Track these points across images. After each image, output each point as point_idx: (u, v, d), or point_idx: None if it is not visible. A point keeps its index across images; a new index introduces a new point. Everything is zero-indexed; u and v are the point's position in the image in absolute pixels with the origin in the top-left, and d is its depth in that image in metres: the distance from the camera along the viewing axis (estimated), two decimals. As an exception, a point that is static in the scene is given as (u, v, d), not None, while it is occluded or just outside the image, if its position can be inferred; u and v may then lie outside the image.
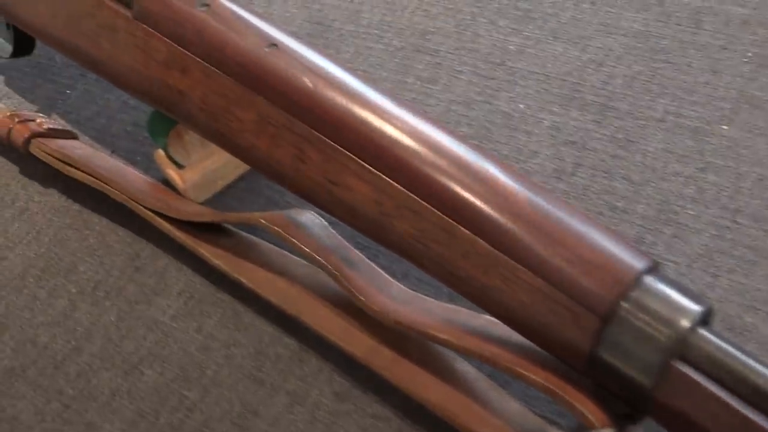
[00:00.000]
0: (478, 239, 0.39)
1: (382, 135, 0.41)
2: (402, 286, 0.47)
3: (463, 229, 0.39)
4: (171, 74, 0.49)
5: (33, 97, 0.69)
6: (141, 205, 0.54)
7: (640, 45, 0.59)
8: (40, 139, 0.60)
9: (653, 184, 0.51)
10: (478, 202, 0.39)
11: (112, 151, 0.62)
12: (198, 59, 0.47)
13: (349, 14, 0.67)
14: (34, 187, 0.62)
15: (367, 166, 0.42)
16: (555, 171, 0.53)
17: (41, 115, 0.63)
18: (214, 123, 0.48)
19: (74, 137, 0.63)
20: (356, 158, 0.42)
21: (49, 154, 0.59)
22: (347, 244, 0.48)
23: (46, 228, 0.59)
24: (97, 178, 0.56)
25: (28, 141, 0.60)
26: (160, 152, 0.57)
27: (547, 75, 0.58)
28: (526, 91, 0.58)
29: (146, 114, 0.64)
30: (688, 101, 0.55)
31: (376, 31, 0.65)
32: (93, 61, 0.54)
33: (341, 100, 0.43)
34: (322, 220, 0.49)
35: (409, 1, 0.66)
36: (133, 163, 0.61)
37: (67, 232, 0.58)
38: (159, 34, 0.49)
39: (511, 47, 0.61)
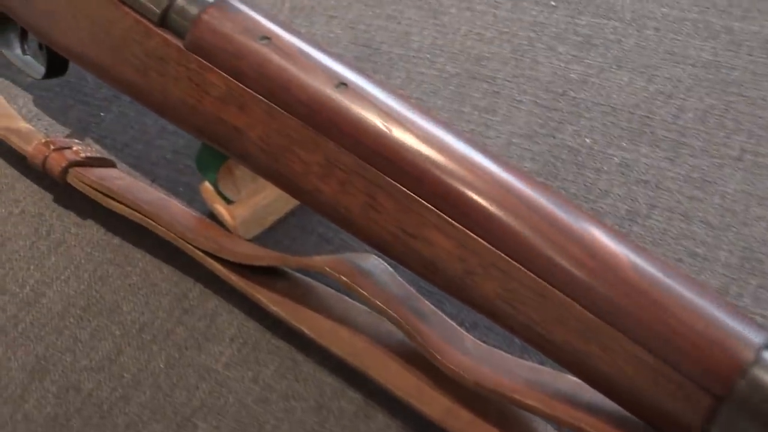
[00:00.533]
0: (575, 304, 0.36)
1: (468, 187, 0.39)
2: (474, 339, 0.45)
3: (557, 292, 0.36)
4: (227, 110, 0.46)
5: (64, 119, 0.66)
6: (190, 245, 0.51)
7: (710, 76, 0.56)
8: (77, 169, 0.57)
9: (734, 229, 0.49)
10: (575, 266, 0.36)
11: (153, 180, 0.60)
12: (259, 96, 0.45)
13: (398, 36, 0.64)
14: (70, 217, 0.59)
15: (449, 220, 0.39)
16: (628, 213, 0.51)
17: (77, 141, 0.60)
18: (274, 163, 0.45)
19: (112, 165, 0.60)
20: (437, 211, 0.39)
21: (88, 185, 0.56)
22: (415, 292, 0.46)
23: (85, 263, 0.56)
24: (140, 213, 0.54)
25: (65, 171, 0.57)
26: (207, 186, 0.54)
27: (613, 107, 0.56)
28: (592, 124, 0.55)
29: (186, 139, 0.62)
30: (766, 138, 0.52)
31: (427, 56, 0.62)
32: (138, 91, 0.51)
33: (420, 146, 0.40)
34: (386, 264, 0.46)
35: (460, 23, 0.63)
36: (175, 193, 0.58)
37: (107, 267, 0.55)
38: (215, 68, 0.46)
39: (572, 75, 0.58)
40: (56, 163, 0.57)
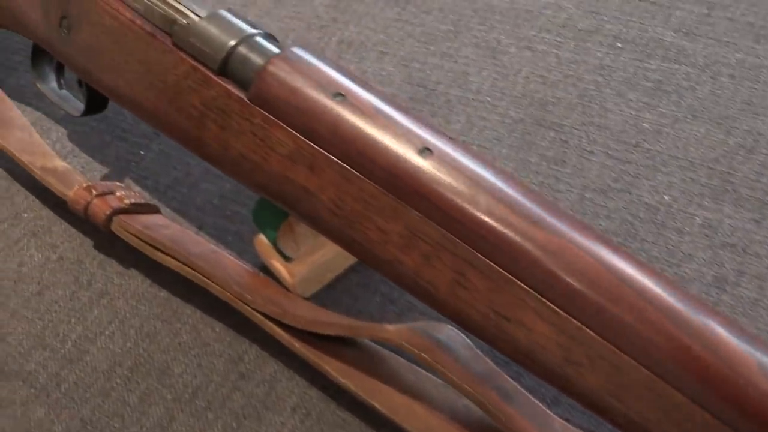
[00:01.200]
0: (698, 409, 0.33)
1: (571, 271, 0.36)
2: (562, 421, 0.42)
3: (678, 394, 0.33)
4: (295, 170, 0.43)
5: (102, 156, 0.63)
6: (248, 306, 0.48)
7: (793, 130, 0.54)
8: (122, 216, 0.54)
9: (831, 301, 0.46)
10: (695, 366, 0.33)
11: (199, 228, 0.57)
12: (332, 158, 0.42)
13: (455, 76, 0.61)
14: (113, 266, 0.56)
15: (550, 304, 0.36)
16: (715, 279, 0.48)
17: (118, 184, 0.57)
18: (347, 229, 0.42)
19: (156, 211, 0.57)
20: (536, 294, 0.36)
21: (133, 235, 0.53)
22: (496, 367, 0.43)
23: (130, 317, 0.53)
24: (191, 268, 0.50)
25: (109, 219, 0.54)
26: (263, 239, 0.51)
27: (691, 161, 0.53)
28: (670, 179, 0.52)
29: (233, 183, 0.59)
30: None
31: (488, 98, 0.59)
32: (191, 141, 0.48)
33: (516, 222, 0.37)
34: (463, 335, 0.43)
35: (521, 64, 0.60)
36: (224, 243, 0.55)
37: (155, 323, 0.52)
38: (282, 124, 0.43)
39: (645, 125, 0.55)
40: (100, 210, 0.54)
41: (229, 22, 0.47)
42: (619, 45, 0.60)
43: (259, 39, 0.46)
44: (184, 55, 0.47)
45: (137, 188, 0.60)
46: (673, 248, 0.49)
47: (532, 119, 0.57)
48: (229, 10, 0.48)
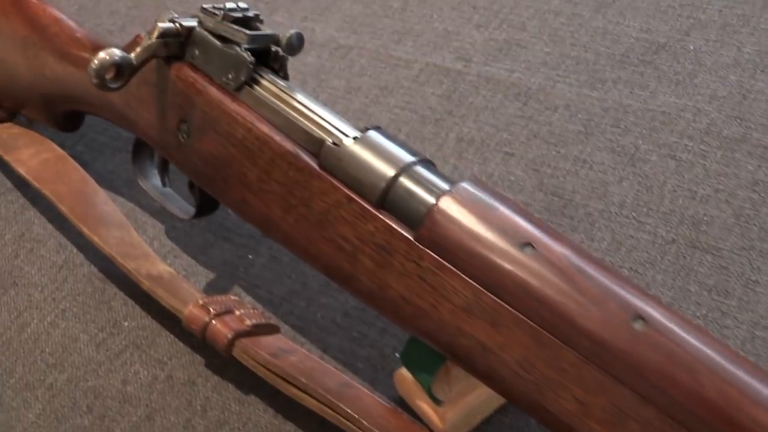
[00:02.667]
0: None
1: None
2: None
3: None
4: (473, 324, 0.39)
5: (206, 259, 0.59)
6: (399, 459, 0.44)
7: None
8: (244, 341, 0.50)
9: None
10: None
11: (324, 351, 0.52)
12: (522, 317, 0.37)
13: (593, 186, 0.57)
14: (229, 390, 0.51)
15: None
16: None
17: (234, 298, 0.53)
18: (533, 394, 0.38)
19: (276, 330, 0.52)
20: None
21: (260, 365, 0.48)
22: None
23: (254, 455, 0.48)
24: (323, 404, 0.46)
25: (231, 344, 0.49)
26: (407, 377, 0.47)
27: None
28: None
29: (356, 302, 0.54)
30: None
31: (633, 214, 0.55)
32: (339, 273, 0.44)
33: (747, 406, 0.33)
34: None
35: (665, 175, 0.56)
36: (353, 369, 0.51)
37: (283, 463, 0.48)
38: (459, 273, 0.39)
39: (815, 253, 0.51)
40: (220, 334, 0.49)
41: (385, 147, 0.43)
42: (771, 157, 0.56)
43: (420, 169, 0.42)
44: (335, 182, 0.43)
45: (248, 298, 0.56)
46: None
47: (686, 240, 0.53)
48: (379, 130, 0.44)
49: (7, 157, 0.65)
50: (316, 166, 0.44)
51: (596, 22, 0.68)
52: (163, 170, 0.58)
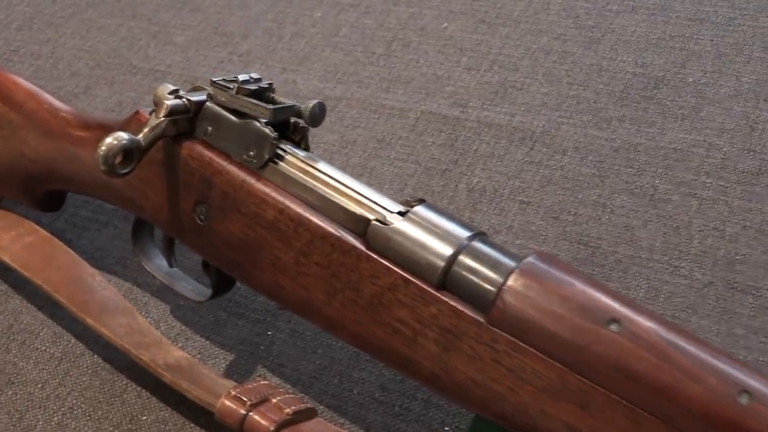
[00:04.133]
0: None
1: None
2: None
3: None
4: (558, 406, 0.36)
5: (221, 339, 0.55)
6: None
7: None
8: (285, 431, 0.47)
9: None
10: None
11: (366, 431, 0.49)
12: (615, 398, 0.35)
13: (617, 231, 0.56)
14: (271, 485, 0.48)
15: None
16: None
17: (265, 382, 0.49)
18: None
19: (314, 414, 0.49)
20: None
21: (309, 458, 0.45)
22: None
23: None
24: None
25: (273, 437, 0.46)
26: (469, 456, 0.45)
27: None
28: None
29: (392, 371, 0.52)
30: None
31: (665, 258, 0.54)
32: (395, 357, 0.41)
33: None
34: None
35: (689, 215, 0.55)
36: (401, 453, 0.48)
37: None
38: (541, 355, 0.37)
39: None
40: (261, 427, 0.46)
41: (436, 223, 0.41)
42: (793, 189, 0.56)
43: (479, 244, 0.40)
44: (388, 264, 0.40)
45: (275, 379, 0.53)
46: None
47: (723, 282, 0.52)
48: (426, 205, 0.42)
49: (-15, 244, 0.61)
50: (363, 248, 0.41)
51: (589, 59, 0.67)
52: (169, 250, 0.54)
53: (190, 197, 0.48)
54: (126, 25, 0.81)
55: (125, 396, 0.53)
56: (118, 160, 0.45)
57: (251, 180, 0.45)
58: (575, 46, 0.69)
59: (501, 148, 0.62)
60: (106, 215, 0.64)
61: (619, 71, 0.66)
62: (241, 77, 0.46)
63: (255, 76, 0.47)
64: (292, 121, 0.47)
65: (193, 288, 0.53)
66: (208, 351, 0.55)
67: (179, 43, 0.78)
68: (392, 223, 0.41)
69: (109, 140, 0.44)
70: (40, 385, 0.54)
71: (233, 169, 0.46)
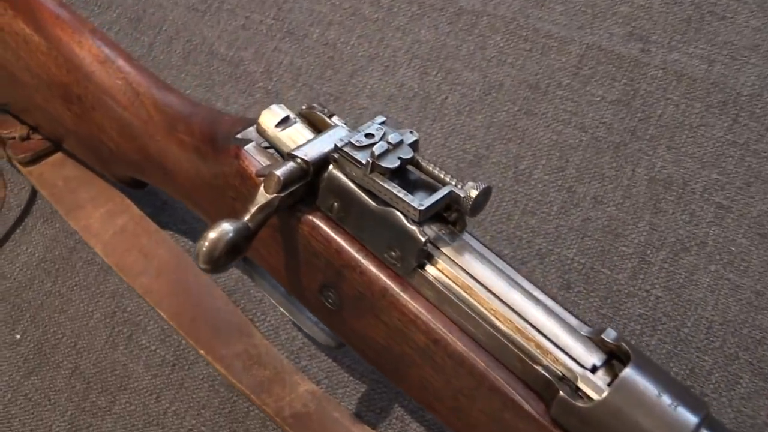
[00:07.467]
0: None
1: None
2: None
3: None
4: None
5: (349, 359, 0.48)
6: None
7: None
8: None
9: None
10: None
11: None
12: None
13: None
14: None
15: None
16: None
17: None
18: None
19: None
20: None
21: None
22: None
23: None
24: None
25: None
26: None
27: None
28: None
29: None
30: None
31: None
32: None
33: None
34: None
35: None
36: None
37: None
38: None
39: None
40: None
41: (653, 404, 0.31)
42: None
43: None
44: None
45: (414, 425, 0.46)
46: None
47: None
48: (636, 364, 0.31)
49: (72, 222, 0.53)
50: (547, 423, 0.32)
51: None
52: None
53: (315, 277, 0.38)
54: None
55: (248, 423, 0.48)
56: (223, 256, 0.35)
57: (395, 289, 0.35)
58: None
59: (694, 116, 0.48)
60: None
61: None
62: (377, 148, 0.34)
63: (391, 133, 0.35)
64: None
65: (323, 329, 0.44)
66: (335, 375, 0.48)
67: None
68: (589, 399, 0.31)
69: (212, 235, 0.34)
70: (155, 396, 0.49)
71: (371, 270, 0.35)
